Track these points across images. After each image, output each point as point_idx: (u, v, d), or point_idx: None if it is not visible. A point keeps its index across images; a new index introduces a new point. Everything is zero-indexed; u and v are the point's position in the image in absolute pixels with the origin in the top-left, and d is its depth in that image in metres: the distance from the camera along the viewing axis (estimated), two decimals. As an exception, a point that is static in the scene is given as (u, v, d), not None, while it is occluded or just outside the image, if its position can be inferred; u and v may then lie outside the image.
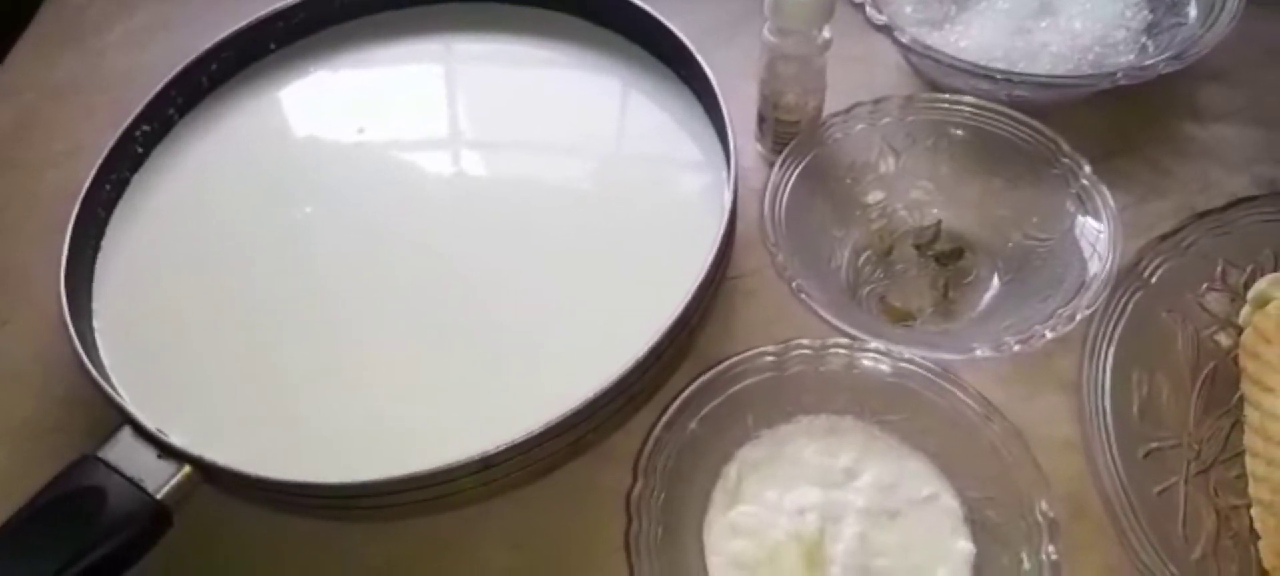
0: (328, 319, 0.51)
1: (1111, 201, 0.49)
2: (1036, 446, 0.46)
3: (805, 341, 0.45)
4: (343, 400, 0.48)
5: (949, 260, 0.53)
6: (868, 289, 0.53)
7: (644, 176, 0.57)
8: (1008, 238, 0.53)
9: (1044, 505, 0.39)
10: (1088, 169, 0.50)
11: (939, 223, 0.54)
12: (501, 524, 0.47)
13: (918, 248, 0.54)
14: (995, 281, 0.52)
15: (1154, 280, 0.49)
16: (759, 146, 0.59)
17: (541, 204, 0.56)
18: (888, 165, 0.55)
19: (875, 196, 0.55)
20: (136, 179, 0.58)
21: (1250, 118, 0.60)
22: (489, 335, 0.50)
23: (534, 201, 0.56)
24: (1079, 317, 0.45)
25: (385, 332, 0.51)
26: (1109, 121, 0.60)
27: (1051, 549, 0.38)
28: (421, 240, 0.54)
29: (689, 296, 0.45)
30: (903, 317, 0.51)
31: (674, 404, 0.43)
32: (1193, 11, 0.58)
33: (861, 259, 0.54)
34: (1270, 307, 0.45)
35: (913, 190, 0.55)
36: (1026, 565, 0.39)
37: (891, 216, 0.55)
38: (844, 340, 0.45)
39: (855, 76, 0.61)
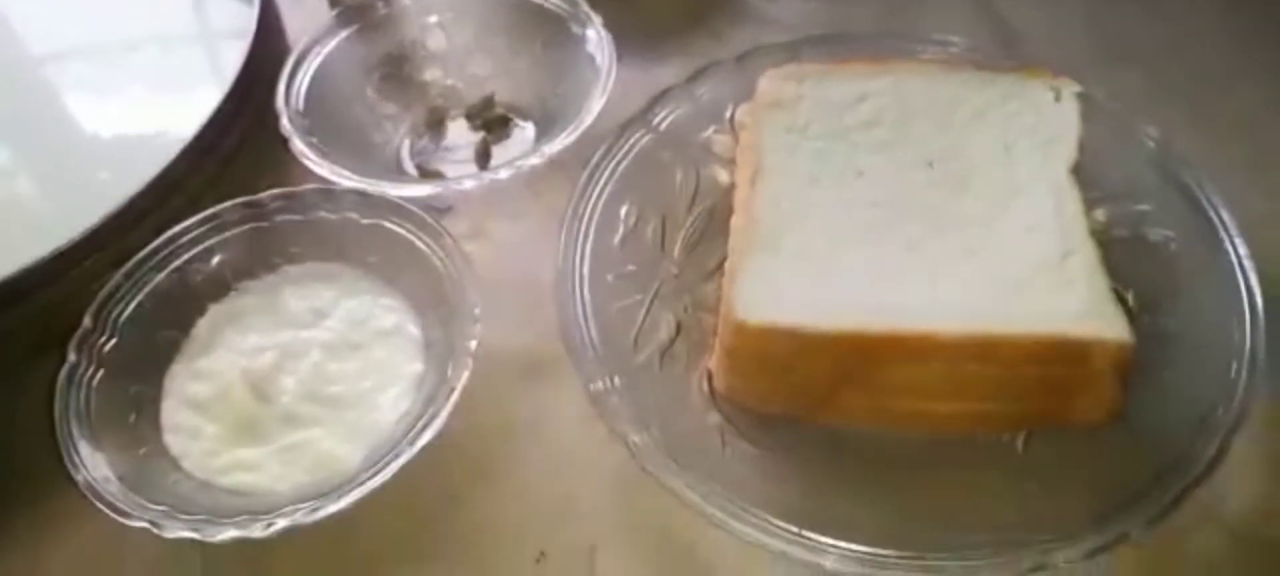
0: None
1: (612, 46, 0.51)
2: (546, 291, 0.47)
3: (281, 191, 0.45)
4: None
5: (496, 127, 0.54)
6: (415, 161, 0.54)
7: (192, 50, 0.58)
8: (544, 99, 0.54)
9: (472, 307, 0.40)
10: (598, 22, 0.52)
11: (491, 95, 0.55)
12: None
13: (469, 119, 0.55)
14: (530, 140, 0.53)
15: (662, 127, 0.50)
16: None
17: (80, 69, 0.57)
18: (438, 41, 0.56)
19: (433, 74, 0.56)
20: None
21: (815, -10, 0.63)
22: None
23: (69, 70, 0.57)
24: (555, 149, 0.46)
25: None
26: (686, 2, 0.62)
27: (466, 353, 0.39)
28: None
29: (169, 159, 0.45)
30: (434, 178, 0.52)
31: (136, 256, 0.43)
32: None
33: (416, 135, 0.55)
34: (742, 135, 0.47)
35: (470, 66, 0.57)
36: (449, 374, 0.40)
37: (450, 94, 0.56)
38: (318, 187, 0.45)
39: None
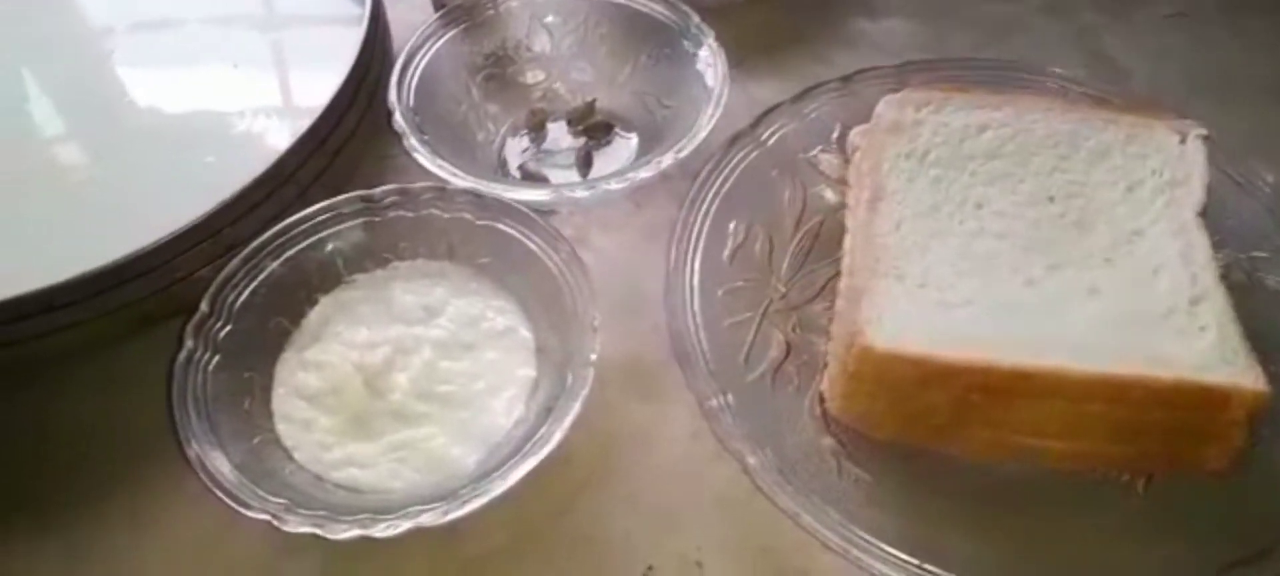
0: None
1: (725, 61, 0.50)
2: (651, 302, 0.47)
3: (396, 187, 0.45)
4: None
5: (598, 134, 0.54)
6: (517, 164, 0.54)
7: (305, 52, 0.57)
8: (650, 110, 0.54)
9: (590, 317, 0.40)
10: (711, 37, 0.51)
11: (593, 101, 0.55)
12: (96, 371, 0.46)
13: (570, 123, 0.55)
14: (634, 149, 0.53)
15: (770, 142, 0.50)
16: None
17: (184, 65, 0.57)
18: (543, 44, 0.56)
19: (535, 76, 0.56)
20: None
21: (917, 13, 0.62)
22: (116, 187, 0.50)
23: (179, 61, 0.57)
24: (666, 162, 0.46)
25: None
26: (783, 19, 0.62)
27: (587, 358, 0.39)
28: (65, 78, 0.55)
29: (284, 149, 0.45)
30: (538, 182, 0.52)
31: (253, 243, 0.43)
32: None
33: (517, 136, 0.55)
34: (856, 156, 0.47)
35: (573, 71, 0.56)
36: (568, 380, 0.39)
37: (552, 98, 0.56)
38: (432, 184, 0.45)
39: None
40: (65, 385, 0.45)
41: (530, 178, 0.52)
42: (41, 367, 0.45)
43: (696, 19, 0.52)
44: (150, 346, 0.46)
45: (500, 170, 0.53)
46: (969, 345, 0.38)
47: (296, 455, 0.40)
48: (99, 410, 0.45)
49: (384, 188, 0.45)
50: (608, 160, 0.53)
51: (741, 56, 0.58)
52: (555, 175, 0.53)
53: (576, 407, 0.38)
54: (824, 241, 0.48)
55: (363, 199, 0.45)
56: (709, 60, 0.50)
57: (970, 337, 0.38)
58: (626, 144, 0.54)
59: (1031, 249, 0.42)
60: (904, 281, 0.41)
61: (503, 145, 0.54)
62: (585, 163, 0.53)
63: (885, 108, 0.46)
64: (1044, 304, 0.40)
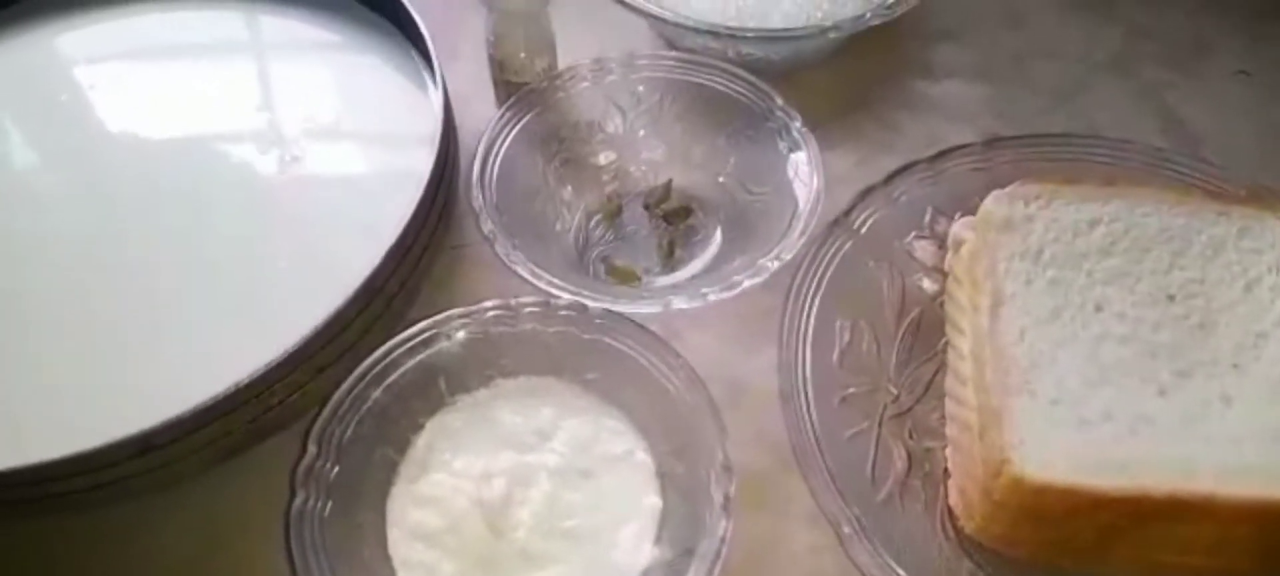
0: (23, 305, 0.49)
1: (818, 152, 0.49)
2: (753, 401, 0.46)
3: (494, 303, 0.43)
4: (29, 388, 0.45)
5: (677, 219, 0.53)
6: (597, 252, 0.52)
7: (369, 145, 0.55)
8: (731, 194, 0.52)
9: (720, 455, 0.38)
10: (798, 122, 0.50)
11: (669, 182, 0.54)
12: (186, 509, 0.43)
13: (647, 208, 0.53)
14: (718, 237, 0.52)
15: (863, 230, 0.49)
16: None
17: (249, 172, 0.53)
18: (616, 125, 0.54)
19: (607, 157, 0.54)
20: None
21: (978, 74, 0.61)
22: (187, 311, 0.48)
23: (242, 169, 0.53)
24: (774, 266, 0.45)
25: (80, 312, 0.48)
26: (845, 82, 0.61)
27: (723, 497, 0.37)
28: (110, 215, 0.52)
29: (375, 264, 0.43)
30: (628, 278, 0.50)
31: (355, 372, 0.41)
32: (920, -30, 0.58)
33: (592, 222, 0.53)
34: (963, 249, 0.46)
35: (645, 151, 0.55)
36: (705, 515, 0.38)
37: (624, 178, 0.54)
38: (535, 298, 0.43)
39: (603, 39, 0.60)
40: (156, 523, 0.43)
41: (614, 271, 0.50)
42: (128, 505, 0.43)
43: (779, 101, 0.51)
44: (234, 475, 0.44)
45: (581, 260, 0.51)
46: (1117, 472, 0.37)
47: (425, 607, 0.38)
48: (196, 548, 0.42)
49: (487, 303, 0.43)
50: (690, 247, 0.52)
51: (810, 122, 0.57)
52: (637, 265, 0.51)
53: (724, 554, 0.36)
54: (924, 335, 0.48)
55: (464, 315, 0.43)
56: (797, 148, 0.49)
57: (1116, 462, 0.38)
58: (707, 229, 0.52)
59: (1157, 354, 0.41)
60: (1036, 397, 0.40)
61: (579, 233, 0.52)
62: (668, 253, 0.51)
63: (995, 204, 0.45)
64: (1180, 416, 0.39)
